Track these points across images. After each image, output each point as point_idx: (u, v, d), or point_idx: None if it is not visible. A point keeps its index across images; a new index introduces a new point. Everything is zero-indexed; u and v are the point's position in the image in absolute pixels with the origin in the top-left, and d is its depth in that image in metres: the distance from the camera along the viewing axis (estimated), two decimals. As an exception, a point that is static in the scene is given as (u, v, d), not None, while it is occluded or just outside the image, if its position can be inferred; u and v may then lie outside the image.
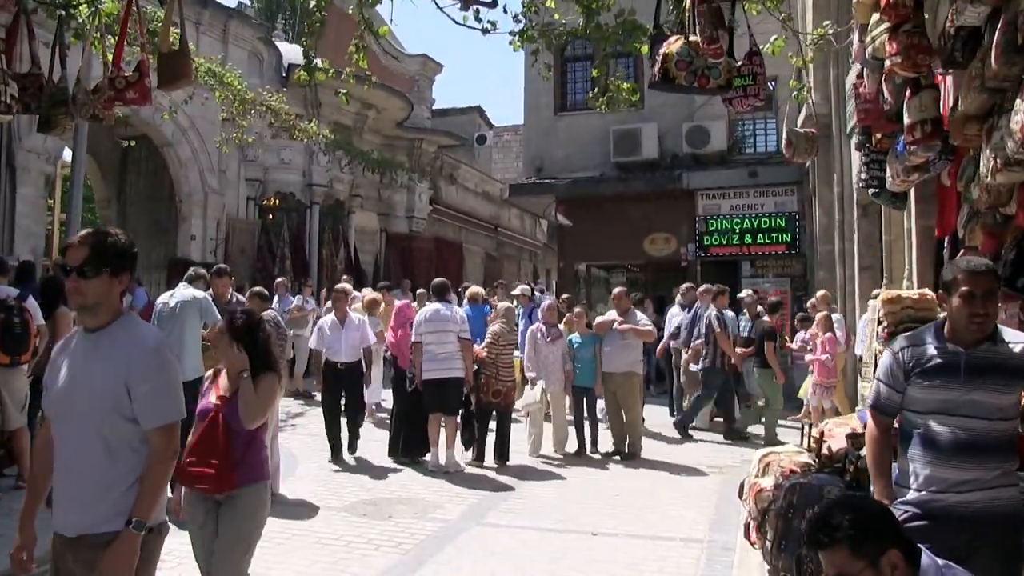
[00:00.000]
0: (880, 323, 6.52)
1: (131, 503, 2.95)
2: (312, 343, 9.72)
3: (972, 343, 3.19)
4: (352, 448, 9.29)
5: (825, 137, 11.66)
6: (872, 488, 3.40)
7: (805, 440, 5.85)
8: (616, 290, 10.48)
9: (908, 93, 5.17)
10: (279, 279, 14.81)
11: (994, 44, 3.93)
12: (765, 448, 6.43)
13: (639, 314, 10.25)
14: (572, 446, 9.83)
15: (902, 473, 3.32)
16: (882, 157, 6.27)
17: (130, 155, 17.18)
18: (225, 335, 4.19)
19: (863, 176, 6.70)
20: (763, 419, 11.01)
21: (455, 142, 25.19)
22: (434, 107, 26.34)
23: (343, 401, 9.33)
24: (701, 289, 12.38)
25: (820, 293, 11.78)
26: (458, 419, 9.08)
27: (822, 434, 5.54)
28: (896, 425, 3.50)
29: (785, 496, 4.83)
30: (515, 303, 12.33)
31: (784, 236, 16.31)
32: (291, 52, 18.23)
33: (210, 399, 4.18)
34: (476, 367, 9.13)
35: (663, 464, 9.33)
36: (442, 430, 8.90)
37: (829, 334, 10.16)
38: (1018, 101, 3.80)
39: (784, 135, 9.90)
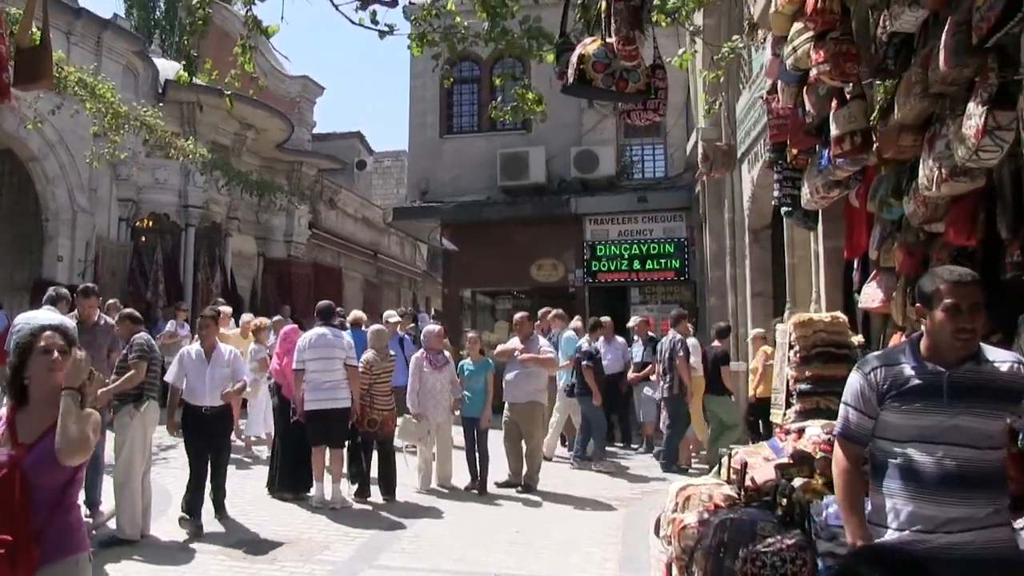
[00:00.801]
0: (792, 347, 6.32)
1: None
2: (168, 376, 7.67)
3: (955, 362, 2.83)
4: (220, 512, 7.58)
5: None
6: (844, 527, 3.01)
7: (724, 471, 5.50)
8: (517, 315, 10.01)
9: (834, 104, 4.97)
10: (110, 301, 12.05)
11: (942, 46, 3.73)
12: (681, 480, 6.08)
13: (541, 340, 9.82)
14: (461, 479, 9.30)
15: (876, 510, 2.93)
16: (797, 175, 6.08)
17: (-11, 169, 15.96)
18: (61, 345, 3.20)
19: (775, 194, 6.51)
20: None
21: (336, 166, 24.77)
22: (314, 131, 25.80)
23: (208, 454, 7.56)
24: (552, 314, 12.02)
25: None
26: (344, 452, 8.47)
27: (744, 464, 5.21)
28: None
29: (715, 533, 4.44)
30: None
31: (673, 262, 16.29)
32: (168, 68, 17.68)
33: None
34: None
35: (561, 497, 8.90)
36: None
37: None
38: (971, 105, 3.56)
39: (700, 149, 9.75)
